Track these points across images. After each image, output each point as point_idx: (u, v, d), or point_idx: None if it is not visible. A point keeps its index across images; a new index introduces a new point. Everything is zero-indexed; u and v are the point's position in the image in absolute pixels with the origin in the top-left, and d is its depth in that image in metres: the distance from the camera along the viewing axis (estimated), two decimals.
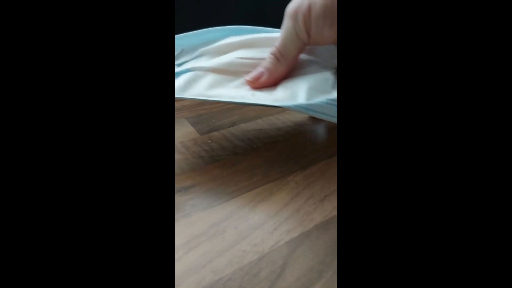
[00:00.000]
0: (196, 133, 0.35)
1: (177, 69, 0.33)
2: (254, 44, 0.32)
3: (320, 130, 0.36)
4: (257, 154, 0.31)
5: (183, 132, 0.35)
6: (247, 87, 0.30)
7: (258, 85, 0.29)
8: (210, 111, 0.40)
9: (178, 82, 0.31)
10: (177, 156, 0.30)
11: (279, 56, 0.29)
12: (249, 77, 0.30)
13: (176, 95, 0.29)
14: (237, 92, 0.29)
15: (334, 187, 0.26)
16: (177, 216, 0.23)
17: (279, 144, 0.33)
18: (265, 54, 0.30)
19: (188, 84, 0.30)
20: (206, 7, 0.56)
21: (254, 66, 0.30)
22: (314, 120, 0.37)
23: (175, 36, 0.33)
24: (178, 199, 0.25)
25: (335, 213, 0.24)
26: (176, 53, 0.34)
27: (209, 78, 0.30)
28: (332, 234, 0.22)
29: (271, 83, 0.29)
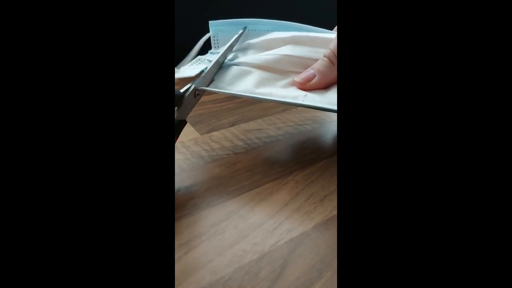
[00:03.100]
0: (196, 133, 0.35)
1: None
2: (303, 42, 0.31)
3: (320, 130, 0.36)
4: (257, 153, 0.31)
5: (183, 132, 0.35)
6: (295, 87, 0.29)
7: (308, 87, 0.28)
8: (210, 111, 0.40)
9: (225, 75, 0.30)
10: (177, 156, 0.30)
11: (334, 59, 0.28)
12: (298, 78, 0.29)
13: (223, 89, 0.28)
14: (288, 92, 0.28)
15: (334, 186, 0.26)
16: (177, 215, 0.23)
17: (279, 144, 0.33)
18: (314, 54, 0.29)
19: (235, 78, 0.29)
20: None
21: (302, 65, 0.29)
22: (314, 120, 0.37)
23: (221, 21, 0.32)
24: (178, 198, 0.25)
25: (335, 212, 0.24)
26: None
27: (257, 75, 0.29)
28: (332, 234, 0.22)
29: (322, 87, 0.28)
